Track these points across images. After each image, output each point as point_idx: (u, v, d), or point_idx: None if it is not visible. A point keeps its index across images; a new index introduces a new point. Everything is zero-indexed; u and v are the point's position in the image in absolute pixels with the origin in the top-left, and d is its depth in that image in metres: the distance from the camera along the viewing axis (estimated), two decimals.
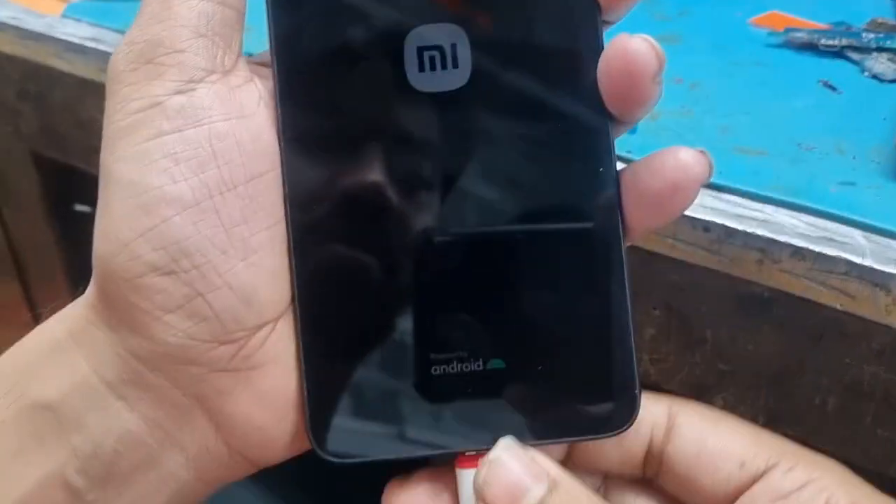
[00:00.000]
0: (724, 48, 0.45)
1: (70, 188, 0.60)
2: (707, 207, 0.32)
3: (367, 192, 0.24)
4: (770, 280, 0.31)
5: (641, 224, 0.24)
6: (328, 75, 0.24)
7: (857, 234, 0.31)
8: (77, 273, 0.64)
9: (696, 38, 0.46)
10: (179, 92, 0.22)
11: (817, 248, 0.30)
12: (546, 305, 0.24)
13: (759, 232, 0.31)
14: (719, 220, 0.32)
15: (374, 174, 0.24)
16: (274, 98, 0.24)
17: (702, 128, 0.37)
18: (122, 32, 0.48)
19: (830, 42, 0.43)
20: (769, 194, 0.32)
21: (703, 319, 0.34)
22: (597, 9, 0.23)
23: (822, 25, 0.46)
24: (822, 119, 0.37)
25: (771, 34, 0.45)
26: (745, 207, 0.32)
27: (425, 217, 0.24)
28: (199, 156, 0.22)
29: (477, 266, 0.24)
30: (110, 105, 0.23)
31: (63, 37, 0.49)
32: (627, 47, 0.22)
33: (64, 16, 0.52)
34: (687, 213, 0.32)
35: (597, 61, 0.23)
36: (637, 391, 0.24)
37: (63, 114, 0.53)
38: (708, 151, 0.23)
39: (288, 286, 0.24)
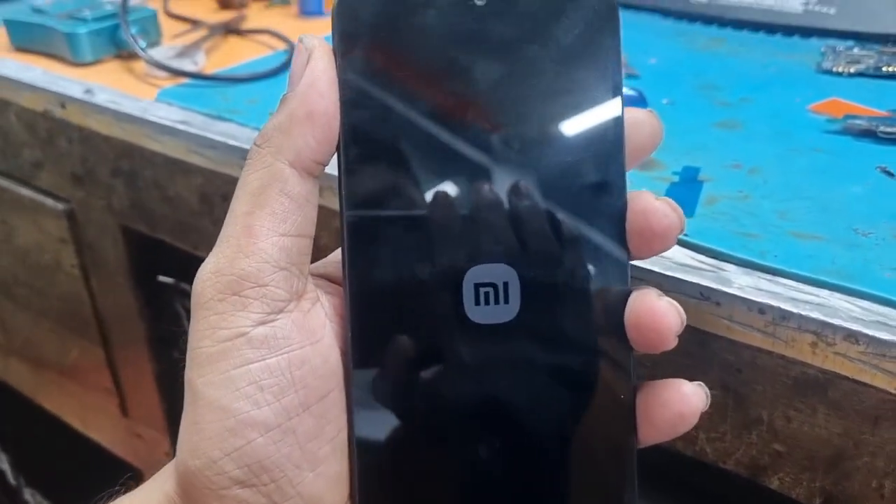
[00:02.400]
0: (783, 134, 0.46)
1: (155, 260, 0.63)
2: (763, 290, 0.33)
3: (425, 412, 0.27)
4: (825, 362, 0.32)
5: (652, 439, 0.28)
6: (394, 304, 0.27)
7: None
8: (157, 340, 0.67)
9: (756, 124, 0.47)
10: (263, 323, 0.25)
11: (871, 332, 0.31)
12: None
13: (814, 315, 0.32)
14: (774, 303, 0.32)
15: (434, 397, 0.27)
16: (344, 328, 0.27)
17: (759, 212, 0.38)
18: (209, 116, 0.52)
19: (889, 129, 0.44)
20: (824, 278, 0.33)
21: (759, 400, 0.34)
22: (627, 255, 0.27)
23: (881, 112, 0.47)
24: (880, 205, 0.38)
25: (830, 121, 0.47)
26: (800, 291, 0.33)
27: (471, 432, 0.27)
28: (281, 383, 0.25)
29: (516, 476, 0.27)
30: (198, 329, 0.25)
31: (155, 119, 0.53)
32: (655, 308, 0.26)
33: (157, 100, 0.56)
34: (743, 295, 0.33)
35: (625, 296, 0.27)
36: None
37: (152, 190, 0.56)
38: (704, 385, 0.27)
39: (346, 488, 0.27)
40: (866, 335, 0.31)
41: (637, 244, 0.27)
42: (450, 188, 0.27)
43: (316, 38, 0.26)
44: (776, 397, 0.34)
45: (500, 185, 0.27)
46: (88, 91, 0.58)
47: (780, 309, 0.32)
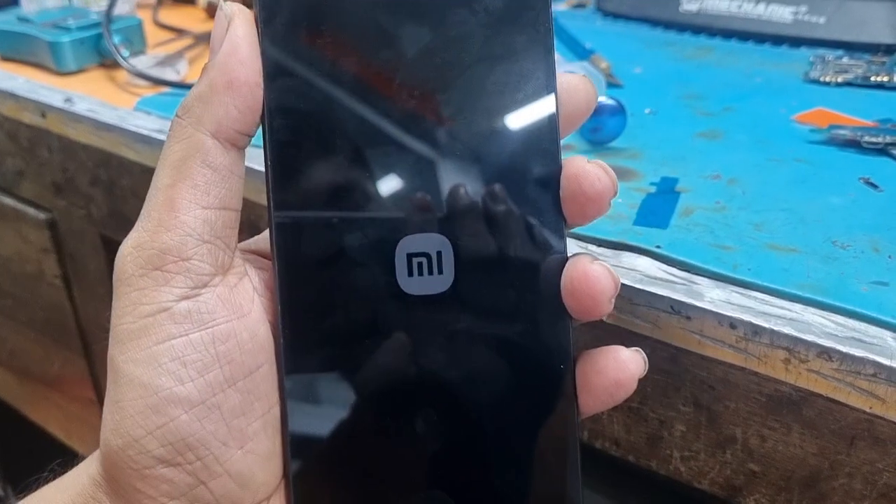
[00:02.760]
0: (765, 144, 0.45)
1: None
2: (734, 304, 0.32)
3: (360, 386, 0.26)
4: (798, 380, 0.31)
5: (591, 408, 0.27)
6: (325, 276, 0.26)
7: (886, 336, 0.30)
8: None
9: (738, 134, 0.46)
10: (186, 298, 0.24)
11: (845, 349, 0.29)
12: (513, 479, 0.27)
13: (786, 330, 0.30)
14: (746, 318, 0.31)
15: (368, 370, 0.26)
16: (274, 302, 0.26)
17: (735, 223, 0.37)
18: None
19: (874, 139, 0.43)
20: (798, 292, 0.32)
21: (733, 417, 0.33)
22: (563, 222, 0.27)
23: (868, 122, 0.46)
24: (860, 217, 0.37)
25: (814, 131, 0.46)
26: (772, 305, 0.32)
27: (407, 406, 0.27)
28: (204, 358, 0.24)
29: (454, 449, 0.27)
30: (119, 306, 0.25)
31: (133, 128, 0.52)
32: (588, 272, 0.25)
33: (136, 109, 0.55)
34: (713, 309, 0.32)
35: (561, 263, 0.26)
36: None
37: (130, 199, 0.56)
38: (642, 350, 0.27)
39: (279, 466, 0.26)
40: (840, 352, 0.30)
41: (571, 210, 0.26)
42: (378, 159, 0.26)
43: (236, 4, 0.25)
44: (750, 415, 0.33)
45: (431, 154, 0.26)
46: (68, 100, 0.57)
47: (751, 324, 0.31)
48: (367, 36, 0.26)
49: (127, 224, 0.57)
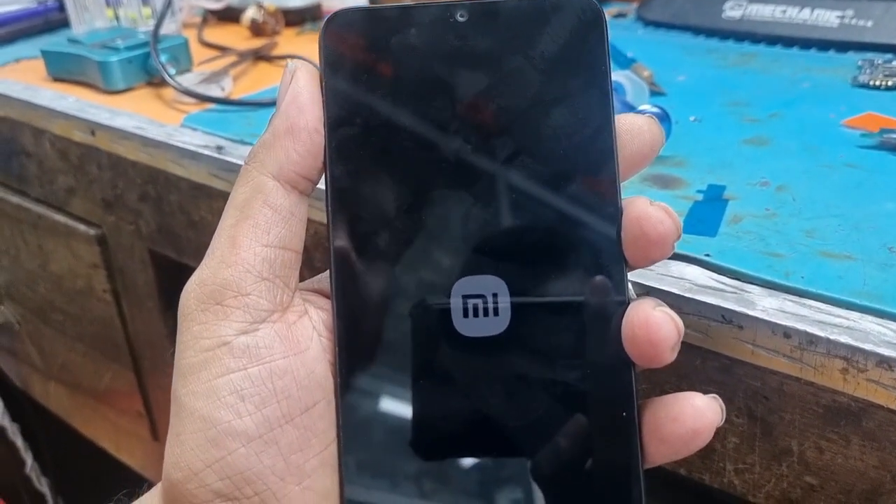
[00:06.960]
0: (814, 150, 0.44)
1: (182, 284, 0.63)
2: (788, 313, 0.31)
3: (415, 427, 0.26)
4: (856, 390, 0.30)
5: (663, 457, 0.26)
6: (382, 317, 0.26)
7: None
8: None
9: (787, 141, 0.46)
10: (244, 332, 0.25)
11: None
12: None
13: (843, 339, 0.30)
14: (801, 327, 0.31)
15: (423, 412, 0.26)
16: (333, 345, 0.26)
17: (787, 230, 0.36)
18: (231, 140, 0.52)
19: None
20: (854, 300, 0.31)
21: (788, 429, 0.33)
22: (624, 264, 0.26)
23: None
24: None
25: (865, 135, 0.45)
26: (827, 314, 0.31)
27: (462, 449, 0.26)
28: (262, 392, 0.24)
29: (511, 494, 0.26)
30: (182, 340, 0.25)
31: (180, 144, 0.53)
32: (650, 320, 0.24)
33: (183, 125, 0.56)
34: (767, 318, 0.31)
35: (622, 307, 0.26)
36: None
37: (178, 215, 0.56)
38: (718, 397, 0.25)
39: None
40: None
41: (633, 252, 0.26)
42: (437, 201, 0.26)
43: (299, 61, 0.27)
44: (806, 427, 0.32)
45: (489, 196, 0.26)
46: (116, 117, 0.59)
47: (806, 333, 0.31)
48: (425, 84, 0.26)
49: (175, 239, 0.58)
